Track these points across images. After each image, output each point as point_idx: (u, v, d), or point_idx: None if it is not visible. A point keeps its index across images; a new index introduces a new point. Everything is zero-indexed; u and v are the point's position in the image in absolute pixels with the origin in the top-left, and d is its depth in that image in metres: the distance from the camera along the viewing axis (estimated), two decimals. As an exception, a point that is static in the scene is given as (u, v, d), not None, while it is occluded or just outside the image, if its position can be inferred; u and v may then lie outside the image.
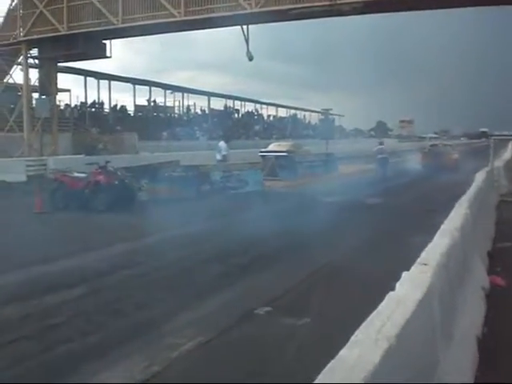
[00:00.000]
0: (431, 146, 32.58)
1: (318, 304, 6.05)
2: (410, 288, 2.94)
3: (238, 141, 44.92)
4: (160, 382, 4.36)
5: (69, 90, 38.33)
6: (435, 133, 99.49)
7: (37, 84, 27.10)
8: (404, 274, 3.28)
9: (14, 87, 27.27)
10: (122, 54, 41.43)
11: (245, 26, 22.38)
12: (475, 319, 4.59)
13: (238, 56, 23.19)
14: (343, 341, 2.14)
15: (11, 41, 25.72)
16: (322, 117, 28.93)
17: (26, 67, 26.31)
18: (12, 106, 27.31)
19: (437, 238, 4.39)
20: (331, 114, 29.18)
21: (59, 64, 28.35)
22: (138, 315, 5.83)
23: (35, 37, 25.49)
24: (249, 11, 21.23)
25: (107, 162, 14.73)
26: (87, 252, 8.84)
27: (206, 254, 8.84)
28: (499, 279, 6.22)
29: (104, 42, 27.07)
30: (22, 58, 26.10)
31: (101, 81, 44.55)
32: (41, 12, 25.15)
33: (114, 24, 24.24)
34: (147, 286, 6.99)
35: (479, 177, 9.57)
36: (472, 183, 9.79)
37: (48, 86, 26.82)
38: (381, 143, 26.80)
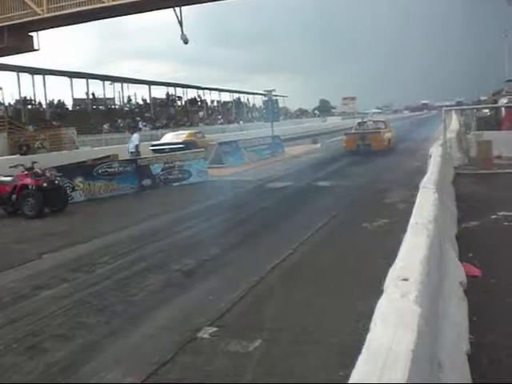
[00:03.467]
0: (359, 123, 26.39)
1: (271, 319, 5.16)
2: (395, 330, 2.04)
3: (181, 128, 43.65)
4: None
5: (0, 88, 36.35)
6: (378, 108, 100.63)
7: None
8: (381, 302, 2.39)
9: None
10: (60, 48, 39.87)
11: (178, 8, 21.23)
12: (461, 331, 3.79)
13: (178, 43, 22.15)
14: None
15: None
16: (266, 99, 28.02)
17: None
18: None
19: (410, 236, 3.54)
20: (275, 96, 28.34)
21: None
22: (53, 353, 4.76)
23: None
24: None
25: (34, 162, 13.49)
26: (4, 270, 7.64)
27: (146, 261, 7.75)
28: (474, 268, 5.49)
29: (31, 34, 25.57)
30: None
31: (37, 76, 42.52)
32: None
33: (38, 14, 22.76)
34: (71, 309, 5.89)
35: (436, 152, 8.85)
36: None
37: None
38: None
